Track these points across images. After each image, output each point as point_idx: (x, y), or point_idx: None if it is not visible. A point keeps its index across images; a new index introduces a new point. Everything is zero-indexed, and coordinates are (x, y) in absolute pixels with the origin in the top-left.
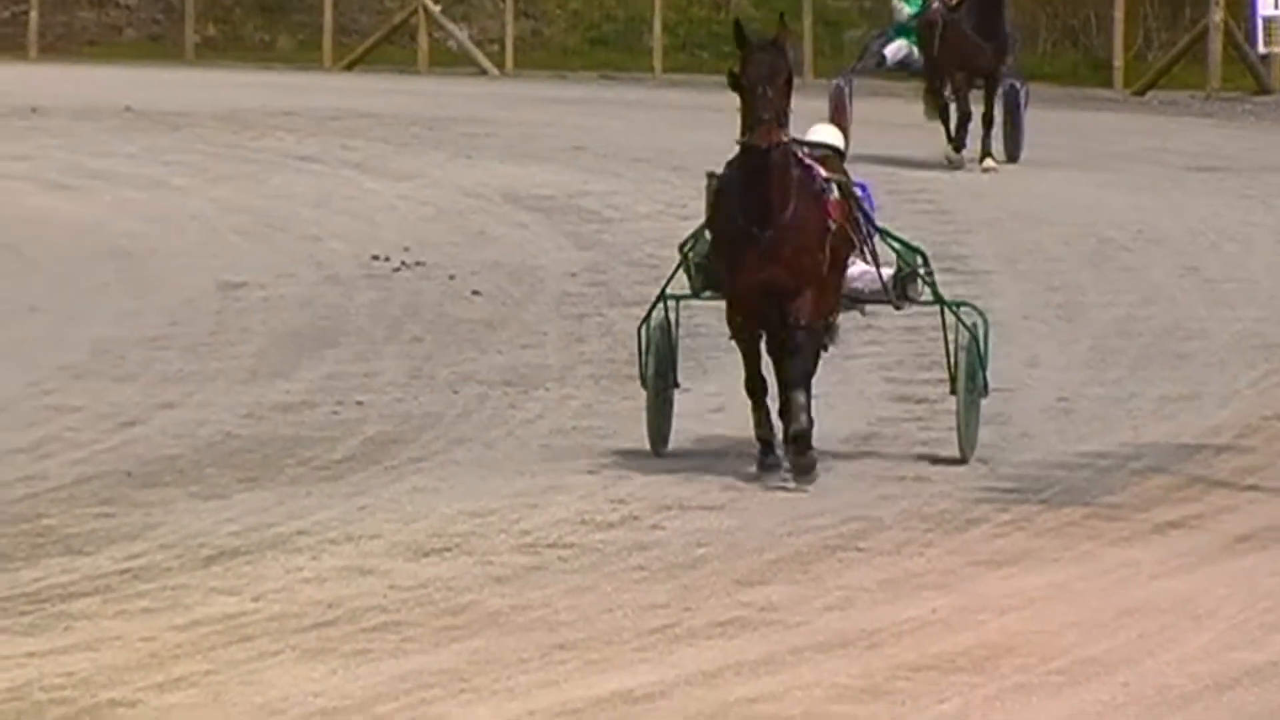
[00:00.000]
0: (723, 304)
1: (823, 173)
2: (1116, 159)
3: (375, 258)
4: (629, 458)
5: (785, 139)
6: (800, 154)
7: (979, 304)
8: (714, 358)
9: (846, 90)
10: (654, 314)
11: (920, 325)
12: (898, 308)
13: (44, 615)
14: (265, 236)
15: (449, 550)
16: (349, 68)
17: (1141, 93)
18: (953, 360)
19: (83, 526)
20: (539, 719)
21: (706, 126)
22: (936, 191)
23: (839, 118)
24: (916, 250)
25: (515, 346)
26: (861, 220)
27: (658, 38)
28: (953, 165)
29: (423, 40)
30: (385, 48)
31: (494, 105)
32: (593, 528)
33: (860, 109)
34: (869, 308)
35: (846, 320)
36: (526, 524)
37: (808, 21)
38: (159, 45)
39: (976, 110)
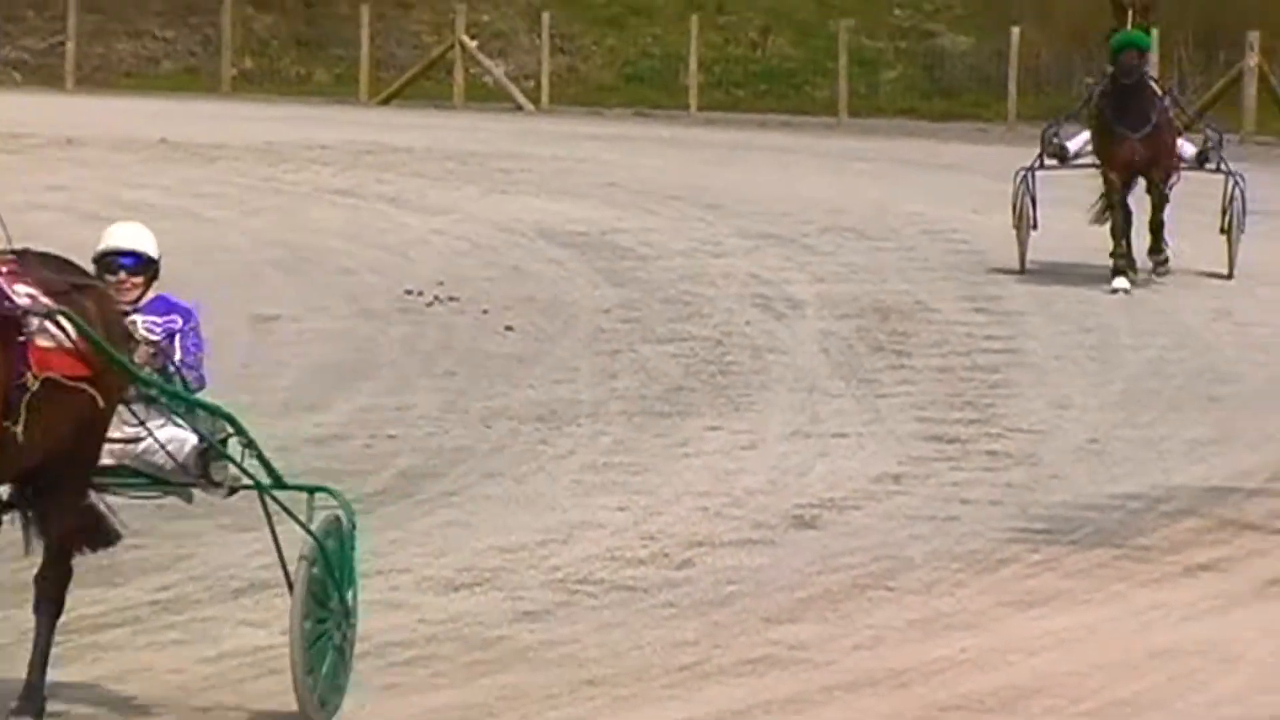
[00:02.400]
0: None
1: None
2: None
3: (409, 292)
4: (659, 494)
5: None
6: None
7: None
8: (745, 396)
9: (1028, 190)
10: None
11: (953, 365)
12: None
13: (73, 646)
14: (299, 269)
15: (479, 585)
16: (385, 102)
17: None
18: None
19: (113, 557)
20: None
21: (741, 164)
22: (970, 232)
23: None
24: (225, 416)
25: (547, 382)
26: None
27: (693, 75)
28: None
29: (459, 75)
30: (422, 82)
31: (529, 141)
32: (622, 564)
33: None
34: None
35: (878, 359)
36: (556, 560)
37: (843, 60)
38: (195, 77)
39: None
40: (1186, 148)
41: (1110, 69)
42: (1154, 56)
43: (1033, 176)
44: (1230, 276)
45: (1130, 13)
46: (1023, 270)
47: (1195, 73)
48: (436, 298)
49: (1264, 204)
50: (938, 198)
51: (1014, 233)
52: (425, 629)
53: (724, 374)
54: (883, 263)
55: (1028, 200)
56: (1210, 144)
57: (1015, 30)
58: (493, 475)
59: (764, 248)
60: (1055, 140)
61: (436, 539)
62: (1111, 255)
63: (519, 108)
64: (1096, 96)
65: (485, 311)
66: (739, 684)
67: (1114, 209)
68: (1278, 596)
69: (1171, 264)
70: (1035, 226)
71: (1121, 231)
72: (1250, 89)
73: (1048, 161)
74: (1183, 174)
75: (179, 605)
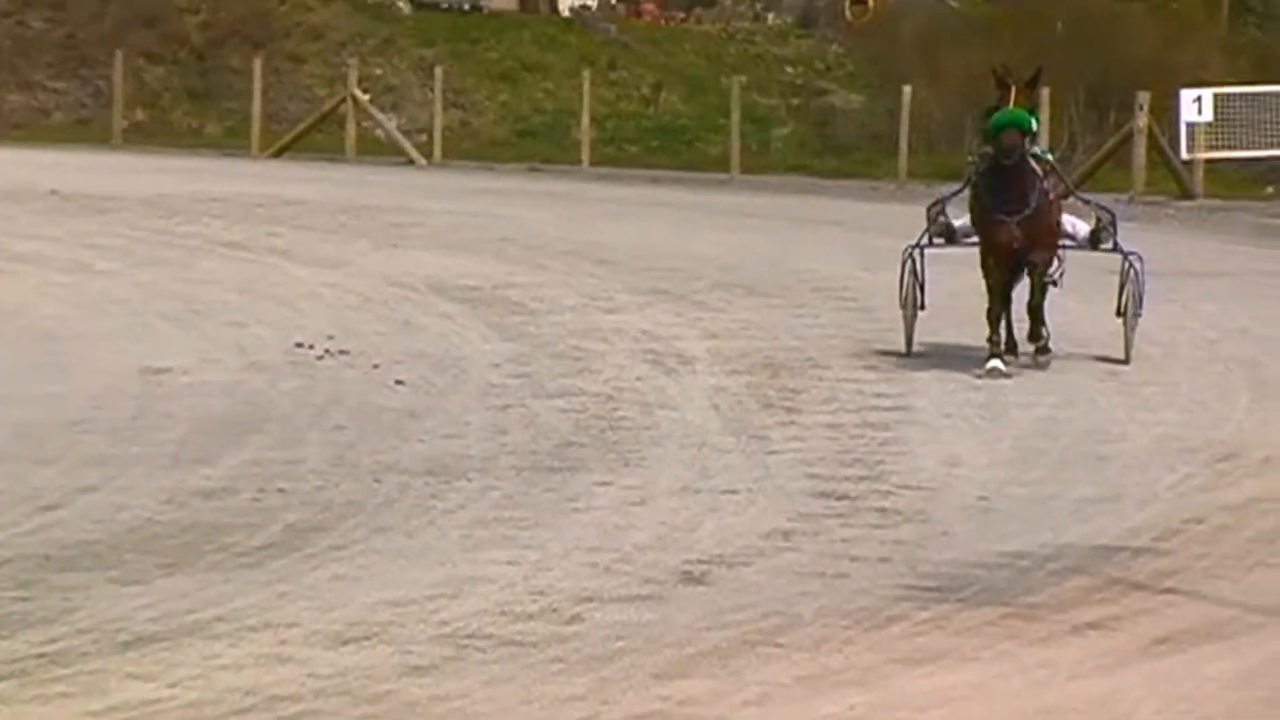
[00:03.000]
0: None
1: None
2: None
3: (300, 345)
4: (549, 549)
5: None
6: None
7: (901, 403)
8: (635, 451)
9: (915, 271)
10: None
11: (842, 422)
12: None
13: None
14: (190, 322)
15: (368, 639)
16: (277, 155)
17: (1065, 195)
18: None
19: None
20: None
21: (632, 220)
22: (860, 289)
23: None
24: None
25: (438, 436)
26: None
27: (586, 131)
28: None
29: (351, 129)
30: (314, 136)
31: (421, 195)
32: (512, 619)
33: (780, 204)
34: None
35: (768, 415)
36: (446, 614)
37: (735, 117)
38: (87, 129)
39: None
40: (1080, 228)
41: (988, 149)
42: (1043, 131)
43: (920, 256)
44: (1126, 361)
45: (1013, 89)
46: (908, 353)
47: (1086, 133)
48: (327, 351)
49: (1153, 264)
50: (828, 255)
51: (900, 313)
52: (314, 683)
53: (614, 429)
54: (773, 319)
55: (914, 282)
56: (1104, 224)
57: (907, 89)
58: (382, 529)
59: (655, 303)
60: (942, 219)
61: (325, 593)
62: (988, 341)
63: (411, 162)
64: (976, 177)
65: (376, 365)
66: None
67: (991, 294)
68: (1165, 655)
69: (1054, 351)
70: (922, 307)
71: (998, 317)
72: (1139, 149)
73: (935, 240)
74: (1072, 254)
75: (66, 658)
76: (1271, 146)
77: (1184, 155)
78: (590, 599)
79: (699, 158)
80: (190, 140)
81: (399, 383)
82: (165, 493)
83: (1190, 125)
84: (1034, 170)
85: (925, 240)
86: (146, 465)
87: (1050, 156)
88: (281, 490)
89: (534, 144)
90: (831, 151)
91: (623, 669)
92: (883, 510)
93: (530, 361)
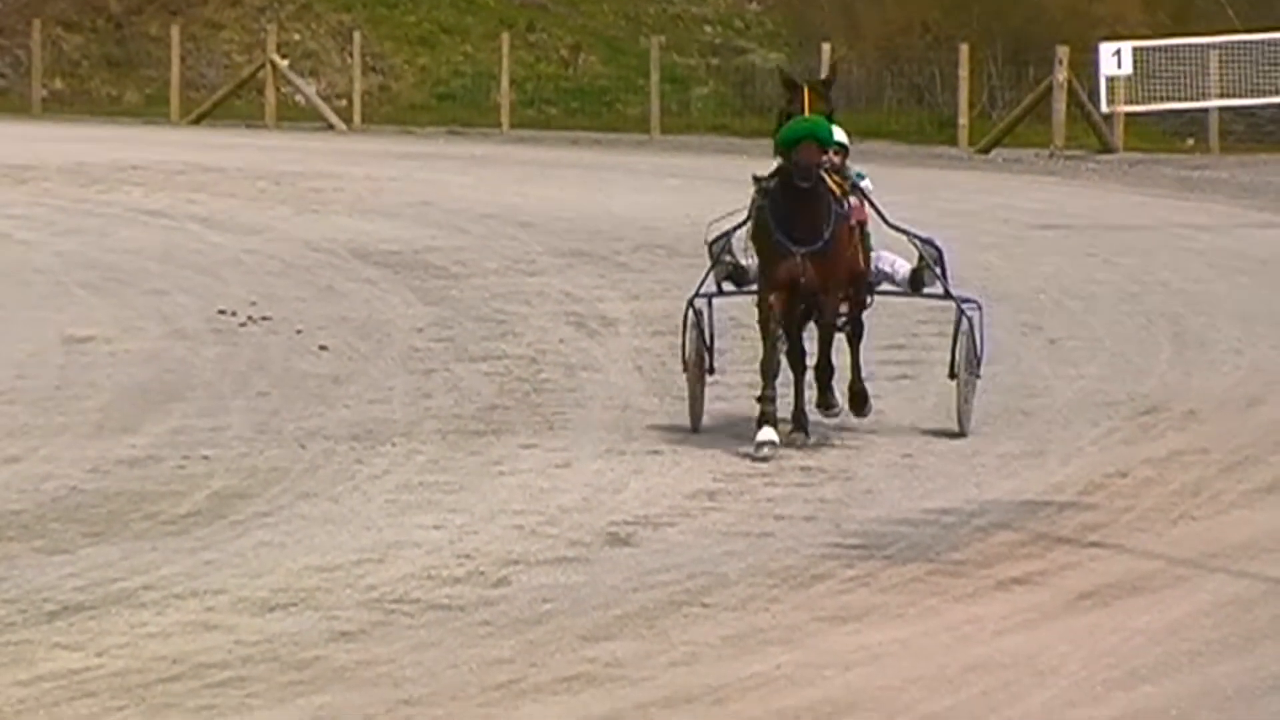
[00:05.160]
0: None
1: None
2: (962, 216)
3: (222, 312)
4: (474, 513)
5: None
6: None
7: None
8: (560, 414)
9: (699, 326)
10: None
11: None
12: None
13: None
14: (112, 290)
15: (294, 605)
16: (196, 122)
17: (986, 150)
18: None
19: None
20: None
21: (554, 182)
22: None
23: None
24: None
25: (362, 401)
26: None
27: (505, 93)
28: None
29: (270, 95)
30: (233, 102)
31: (341, 160)
32: (439, 583)
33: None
34: None
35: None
36: (372, 579)
37: (654, 78)
38: (5, 99)
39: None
40: (900, 267)
41: (779, 166)
42: (962, 87)
43: (708, 307)
44: (962, 433)
45: (806, 91)
46: (695, 430)
47: (1006, 87)
48: (250, 318)
49: (1075, 218)
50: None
51: (689, 374)
52: (241, 650)
53: (538, 392)
54: (696, 280)
55: (699, 339)
56: (926, 263)
57: (826, 47)
58: (308, 495)
59: (577, 265)
60: (727, 258)
61: (251, 560)
62: (759, 400)
63: (331, 127)
64: (762, 200)
65: (299, 331)
66: (555, 702)
67: (767, 342)
68: (1090, 610)
69: (872, 414)
70: (711, 371)
71: (773, 371)
72: (1059, 104)
73: (724, 286)
74: (889, 298)
75: None
76: (1191, 99)
77: (1104, 109)
78: (516, 562)
79: (619, 119)
80: (109, 109)
81: (322, 348)
82: (90, 462)
83: (1110, 79)
84: (831, 194)
85: (715, 288)
86: (70, 434)
87: (866, 181)
88: (206, 458)
89: (453, 108)
90: (752, 111)
91: (550, 631)
92: (807, 469)
93: (453, 325)
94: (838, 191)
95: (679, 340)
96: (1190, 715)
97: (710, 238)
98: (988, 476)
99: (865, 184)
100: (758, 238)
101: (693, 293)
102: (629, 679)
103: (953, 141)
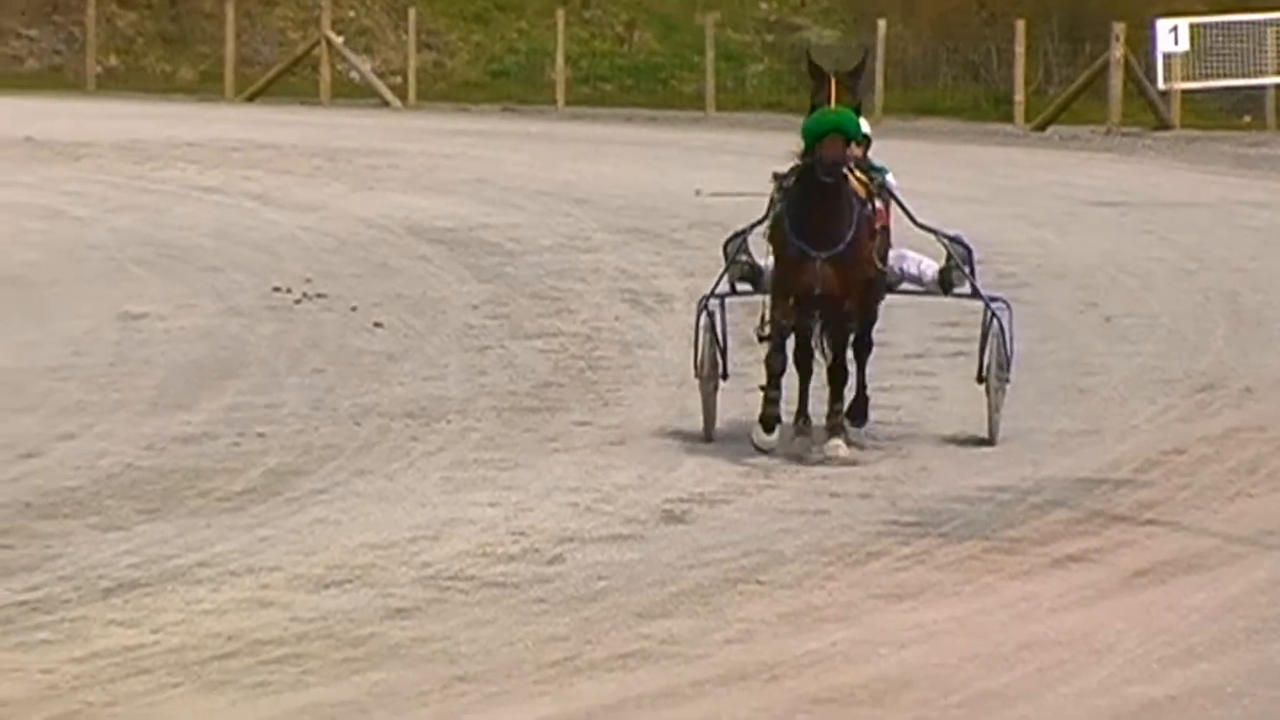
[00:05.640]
0: None
1: None
2: (1017, 193)
3: (277, 289)
4: (529, 490)
5: None
6: None
7: (879, 338)
8: (614, 391)
9: (714, 328)
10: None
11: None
12: None
13: None
14: (166, 267)
15: (350, 582)
16: (251, 99)
17: (1042, 127)
18: None
19: None
20: None
21: (609, 159)
22: None
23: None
24: None
25: (417, 378)
26: None
27: (560, 70)
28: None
29: (325, 72)
30: (287, 79)
31: (396, 137)
32: (493, 560)
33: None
34: None
35: (747, 352)
36: (427, 556)
37: (709, 55)
38: (60, 76)
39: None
40: (928, 268)
41: (802, 160)
42: (1018, 64)
43: (721, 309)
44: (992, 441)
45: (833, 81)
46: (708, 439)
47: (1062, 64)
48: (305, 295)
49: (1131, 195)
50: None
51: (698, 386)
52: (296, 627)
53: (593, 369)
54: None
55: (712, 343)
56: (955, 262)
57: (881, 23)
58: (363, 472)
59: (632, 242)
60: (743, 258)
61: (306, 536)
62: (764, 395)
63: (386, 104)
64: (781, 197)
65: (354, 308)
66: (610, 679)
67: (772, 347)
68: (1145, 587)
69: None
70: (725, 376)
71: (778, 374)
72: (1115, 81)
73: (739, 286)
74: (924, 299)
75: (48, 605)
76: (1248, 76)
77: (1160, 86)
78: (571, 539)
79: (674, 96)
80: (164, 85)
81: (377, 325)
82: (145, 439)
83: (1166, 55)
84: (853, 193)
85: (725, 286)
86: (126, 411)
87: (890, 178)
88: (261, 435)
89: (508, 84)
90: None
91: (605, 609)
92: (862, 446)
93: (508, 302)
94: (863, 191)
95: (735, 315)
96: (1246, 692)
97: (726, 237)
98: (1044, 454)
99: (889, 180)
100: (774, 239)
101: (705, 294)
102: (684, 656)
103: (1008, 118)
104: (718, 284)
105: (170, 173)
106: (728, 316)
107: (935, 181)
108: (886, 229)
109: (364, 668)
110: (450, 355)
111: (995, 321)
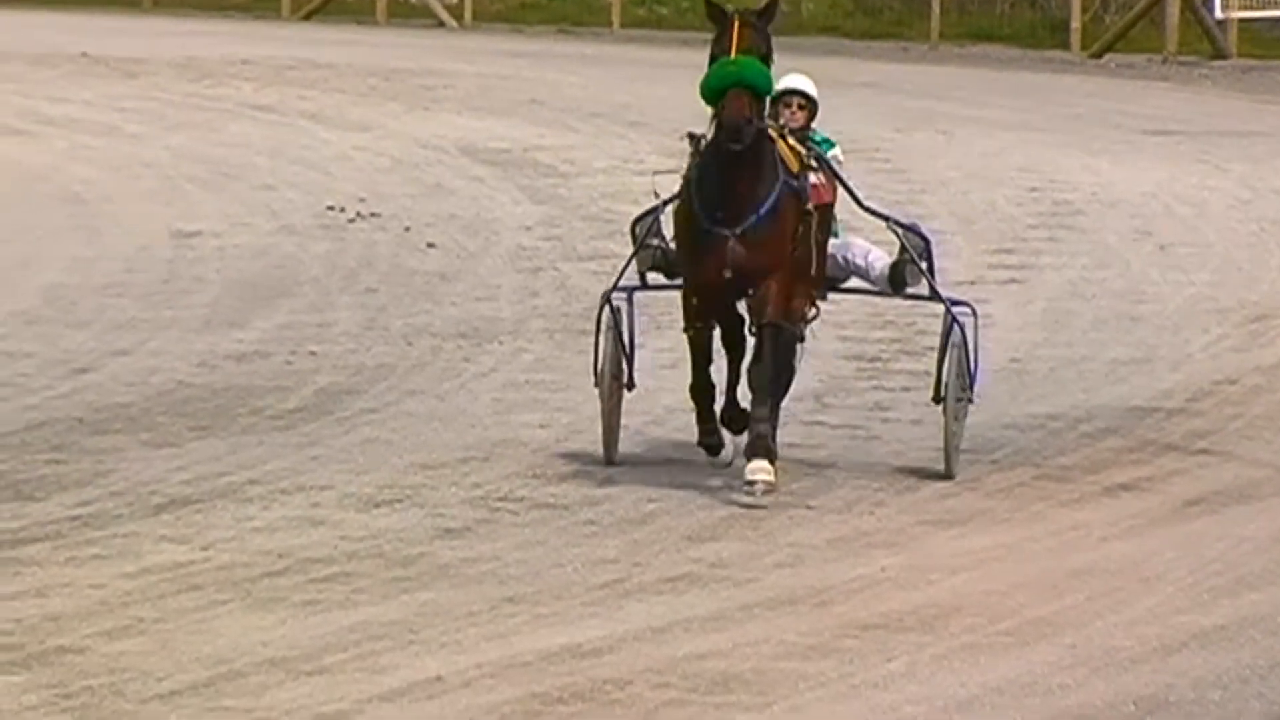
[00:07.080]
0: None
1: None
2: (1073, 121)
3: (330, 208)
4: (581, 412)
5: None
6: None
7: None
8: (666, 314)
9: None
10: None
11: None
12: None
13: None
14: (220, 185)
15: (400, 502)
16: (307, 18)
17: (1099, 55)
18: None
19: (33, 473)
20: (487, 672)
21: (663, 82)
22: (892, 150)
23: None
24: None
25: (469, 299)
26: None
27: None
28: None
29: None
30: None
31: (451, 57)
32: (544, 482)
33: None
34: None
35: None
36: (478, 477)
37: None
38: None
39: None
40: (874, 259)
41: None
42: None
43: (628, 304)
44: (949, 474)
45: (736, 25)
46: (610, 462)
47: None
48: (358, 214)
49: (1186, 124)
50: (861, 116)
51: (601, 389)
52: (346, 545)
53: (649, 301)
54: None
55: (616, 343)
56: (910, 257)
57: None
58: (414, 392)
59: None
60: (655, 242)
61: (357, 456)
62: (699, 424)
63: (441, 24)
64: (694, 164)
65: (407, 228)
66: (659, 601)
67: (696, 354)
68: (1196, 516)
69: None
70: (630, 386)
71: (708, 397)
72: (1172, 9)
73: (649, 277)
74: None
75: (100, 521)
76: None
77: (1218, 15)
78: (622, 462)
79: None
80: (220, 3)
81: (430, 246)
82: (197, 356)
83: None
84: (774, 159)
85: (639, 279)
86: (178, 329)
87: (836, 151)
88: (313, 353)
89: (564, 6)
90: (862, 12)
91: (654, 531)
92: (913, 373)
93: (561, 224)
94: (794, 164)
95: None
96: None
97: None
98: (1095, 382)
99: (835, 154)
100: (677, 217)
101: (609, 286)
102: (733, 580)
103: (1065, 46)
104: (622, 273)
105: (225, 90)
106: (634, 312)
107: (991, 109)
108: (828, 209)
109: (413, 587)
110: (503, 276)
111: (957, 329)
